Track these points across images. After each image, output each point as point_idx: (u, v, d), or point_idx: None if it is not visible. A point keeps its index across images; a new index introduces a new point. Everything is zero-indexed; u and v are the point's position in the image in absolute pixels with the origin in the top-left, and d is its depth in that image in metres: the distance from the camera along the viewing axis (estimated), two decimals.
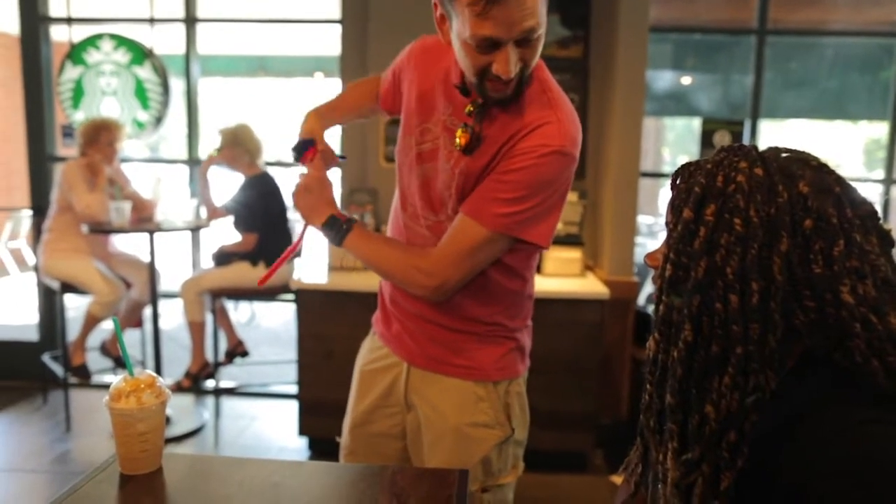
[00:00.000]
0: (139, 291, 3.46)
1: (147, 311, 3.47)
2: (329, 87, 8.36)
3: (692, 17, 3.89)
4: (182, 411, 3.51)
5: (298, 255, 3.39)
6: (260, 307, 5.88)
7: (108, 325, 3.52)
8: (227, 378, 3.93)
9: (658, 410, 0.80)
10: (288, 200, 3.39)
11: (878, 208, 0.79)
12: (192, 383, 3.48)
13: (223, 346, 3.66)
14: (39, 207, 3.60)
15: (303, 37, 6.06)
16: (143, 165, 4.48)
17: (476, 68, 1.14)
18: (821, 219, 0.74)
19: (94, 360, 3.52)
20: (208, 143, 3.69)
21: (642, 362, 2.52)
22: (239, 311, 5.68)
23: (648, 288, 3.53)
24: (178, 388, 3.44)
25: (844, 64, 3.89)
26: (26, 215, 6.92)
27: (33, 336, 3.89)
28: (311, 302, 2.90)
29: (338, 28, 3.40)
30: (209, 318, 3.49)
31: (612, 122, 3.12)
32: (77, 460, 3.04)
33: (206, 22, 3.78)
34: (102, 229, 3.21)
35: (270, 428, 3.44)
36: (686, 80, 3.97)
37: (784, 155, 0.80)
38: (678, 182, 0.83)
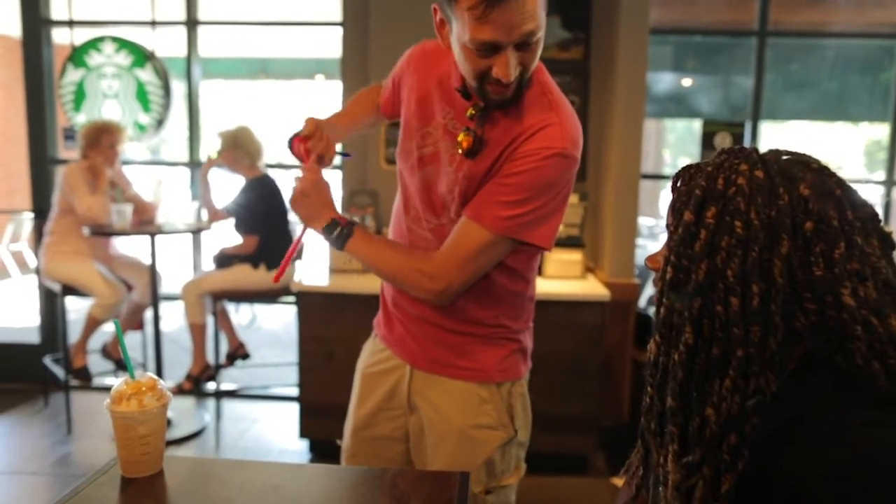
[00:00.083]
0: (140, 294, 3.46)
1: (148, 314, 3.47)
2: (330, 90, 8.37)
3: (693, 18, 3.89)
4: (183, 414, 3.50)
5: (299, 256, 3.40)
6: (261, 309, 5.88)
7: (109, 328, 3.52)
8: (228, 380, 3.93)
9: (659, 413, 0.80)
10: (288, 203, 3.38)
11: (879, 210, 0.79)
12: (193, 386, 3.48)
13: (224, 348, 3.66)
14: (41, 210, 3.60)
15: (304, 39, 6.06)
16: (144, 168, 4.49)
17: (476, 72, 1.14)
18: (822, 221, 0.74)
19: (96, 363, 3.52)
20: (209, 146, 3.70)
21: (643, 364, 2.51)
22: (240, 314, 5.68)
23: (649, 290, 3.52)
24: (179, 390, 3.45)
25: (845, 65, 3.89)
26: (27, 218, 6.93)
27: (34, 338, 3.89)
28: (311, 304, 2.90)
29: (339, 30, 3.40)
30: (210, 321, 3.49)
31: (612, 124, 3.12)
32: (78, 463, 3.04)
33: (207, 24, 3.79)
34: (104, 232, 3.22)
35: (271, 430, 3.43)
36: (687, 82, 3.97)
37: (785, 157, 0.80)
38: (679, 184, 0.83)
